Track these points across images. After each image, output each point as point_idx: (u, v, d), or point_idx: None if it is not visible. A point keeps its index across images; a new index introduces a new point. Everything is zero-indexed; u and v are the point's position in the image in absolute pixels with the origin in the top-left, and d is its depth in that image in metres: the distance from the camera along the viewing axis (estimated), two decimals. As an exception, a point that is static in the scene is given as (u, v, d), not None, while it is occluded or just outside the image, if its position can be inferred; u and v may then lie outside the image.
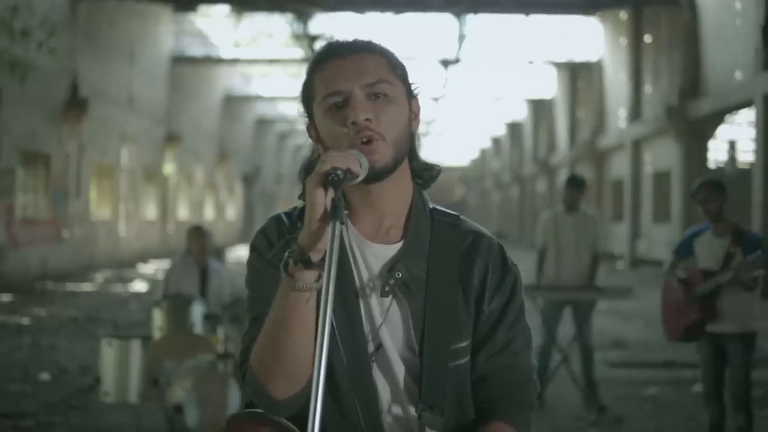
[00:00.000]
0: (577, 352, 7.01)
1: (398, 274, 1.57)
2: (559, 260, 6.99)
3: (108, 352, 5.41)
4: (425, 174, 1.65)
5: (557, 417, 6.65)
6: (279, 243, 1.59)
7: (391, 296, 1.57)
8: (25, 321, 11.74)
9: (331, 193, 1.39)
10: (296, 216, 1.63)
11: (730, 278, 4.70)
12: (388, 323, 1.57)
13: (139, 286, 17.61)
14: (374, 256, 1.60)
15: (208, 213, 34.88)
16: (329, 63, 1.56)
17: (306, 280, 1.42)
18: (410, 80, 1.62)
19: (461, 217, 1.67)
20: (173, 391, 5.37)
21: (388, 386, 1.58)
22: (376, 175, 1.52)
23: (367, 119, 1.51)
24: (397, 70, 1.59)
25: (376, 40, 1.62)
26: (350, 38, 1.61)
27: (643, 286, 16.48)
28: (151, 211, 27.27)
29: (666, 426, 6.38)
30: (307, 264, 1.41)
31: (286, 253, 1.44)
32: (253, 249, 1.64)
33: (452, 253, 1.61)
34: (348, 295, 1.57)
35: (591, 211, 7.48)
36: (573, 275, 6.94)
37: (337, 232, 1.36)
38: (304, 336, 1.46)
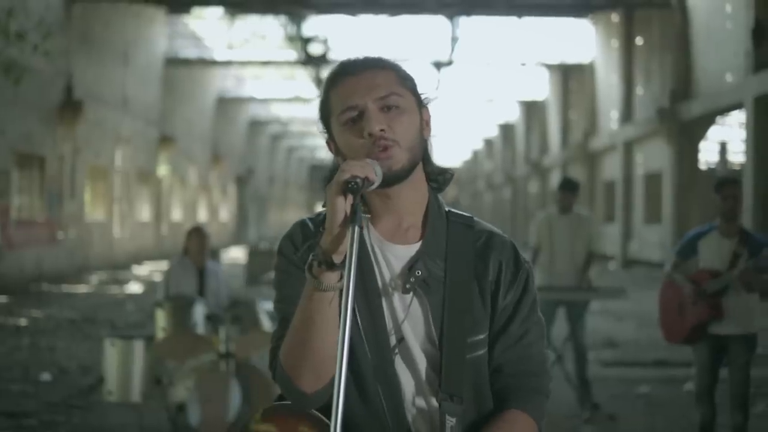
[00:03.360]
0: (571, 351, 7.12)
1: (418, 272, 1.67)
2: (554, 261, 7.11)
3: (111, 352, 5.49)
4: (439, 178, 1.77)
5: (552, 414, 6.75)
6: (303, 246, 1.69)
7: (411, 293, 1.67)
8: (22, 322, 11.81)
9: (350, 200, 1.51)
10: (320, 221, 1.73)
11: (740, 273, 4.77)
12: (410, 318, 1.67)
13: (135, 288, 17.68)
14: (395, 256, 1.70)
15: (202, 214, 34.92)
16: (343, 80, 1.68)
17: (329, 281, 1.53)
18: (420, 91, 1.74)
19: (475, 218, 1.78)
20: (176, 391, 5.47)
21: (411, 377, 1.68)
22: (393, 178, 1.63)
23: (381, 129, 1.63)
24: (406, 82, 1.71)
25: (385, 57, 1.74)
26: (361, 56, 1.73)
27: (634, 287, 16.63)
28: (145, 212, 27.31)
29: (658, 424, 6.50)
30: (330, 266, 1.52)
31: (311, 256, 1.55)
32: (279, 253, 1.74)
33: (468, 252, 1.71)
34: (371, 294, 1.67)
35: (584, 212, 7.61)
36: (567, 275, 7.05)
37: (356, 235, 1.47)
38: (329, 334, 1.56)
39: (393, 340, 1.67)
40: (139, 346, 5.49)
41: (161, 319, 5.61)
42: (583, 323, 7.07)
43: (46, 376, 7.83)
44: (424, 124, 1.73)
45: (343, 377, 1.41)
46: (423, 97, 1.76)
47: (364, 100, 1.64)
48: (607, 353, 9.59)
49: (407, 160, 1.65)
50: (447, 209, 1.76)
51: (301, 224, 1.75)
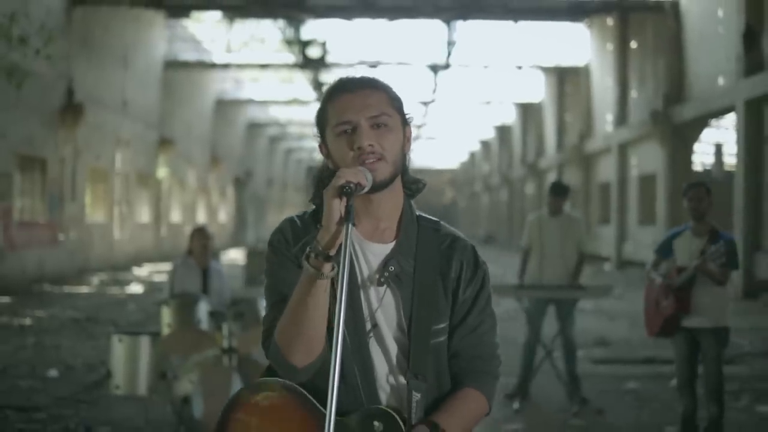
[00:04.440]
0: (561, 348, 7.36)
1: (391, 268, 1.92)
2: (544, 261, 7.34)
3: (118, 348, 5.72)
4: (413, 186, 2.03)
5: (542, 409, 7.02)
6: (301, 241, 1.94)
7: (385, 286, 1.93)
8: (27, 321, 12.03)
9: (344, 202, 1.76)
10: (308, 218, 1.99)
11: (699, 264, 5.07)
12: (383, 308, 1.93)
13: (136, 288, 17.91)
14: (372, 253, 1.95)
15: (201, 216, 35.11)
16: (341, 96, 1.93)
17: (325, 270, 1.78)
18: (404, 111, 2.00)
19: (441, 222, 2.05)
20: (180, 384, 5.70)
21: (384, 359, 1.94)
22: (376, 187, 1.89)
23: (370, 144, 1.88)
24: (395, 103, 1.96)
25: (379, 78, 1.99)
26: (358, 75, 1.98)
27: (628, 287, 16.89)
28: (144, 214, 27.53)
29: (644, 417, 6.75)
30: (327, 258, 1.77)
31: (308, 249, 1.80)
32: (271, 245, 1.99)
33: (434, 252, 1.97)
34: (351, 285, 1.91)
35: (575, 214, 7.85)
36: (558, 275, 7.29)
37: (350, 232, 1.72)
38: (319, 316, 1.82)
39: (368, 326, 1.93)
40: (145, 342, 5.72)
41: (167, 316, 5.84)
42: (572, 320, 7.31)
43: (53, 373, 8.07)
44: (405, 141, 1.97)
45: (339, 353, 1.66)
46: (407, 116, 2.00)
47: (358, 117, 1.89)
48: (599, 351, 9.83)
49: (390, 172, 1.90)
50: (418, 214, 2.02)
51: (290, 221, 2.00)
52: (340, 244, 1.74)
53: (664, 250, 5.49)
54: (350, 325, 1.90)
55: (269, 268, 1.98)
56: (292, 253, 1.94)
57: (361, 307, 1.93)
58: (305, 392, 1.88)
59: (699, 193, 5.28)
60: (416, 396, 1.90)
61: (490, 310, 2.02)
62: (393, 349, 1.94)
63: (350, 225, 1.73)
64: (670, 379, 7.79)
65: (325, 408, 1.70)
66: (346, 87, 1.94)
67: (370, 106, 1.90)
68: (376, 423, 1.86)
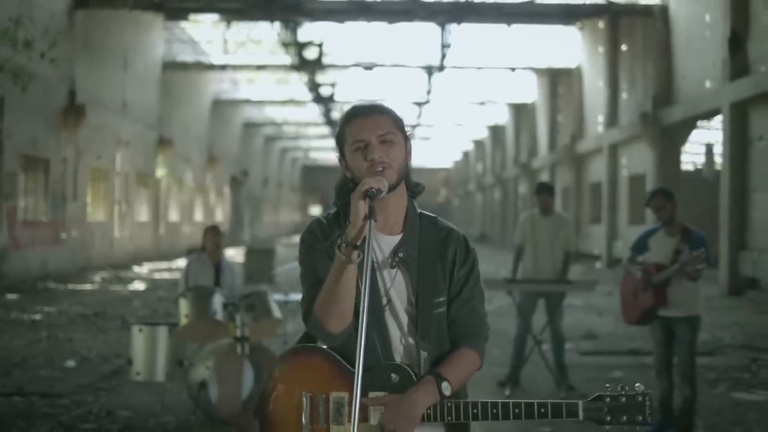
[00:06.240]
0: (550, 340, 7.84)
1: (400, 255, 2.42)
2: (536, 257, 7.83)
3: (138, 337, 6.19)
4: (415, 189, 2.55)
5: (531, 396, 7.49)
6: (328, 236, 2.45)
7: (396, 269, 2.44)
8: (37, 317, 12.45)
9: (368, 203, 2.24)
10: (331, 218, 2.50)
11: (678, 268, 5.60)
12: (395, 286, 2.45)
13: (138, 286, 18.33)
14: (384, 243, 2.46)
15: (198, 215, 35.52)
16: (356, 120, 2.45)
17: (353, 257, 2.28)
18: (405, 129, 2.52)
19: (438, 217, 2.57)
20: (196, 371, 6.15)
21: (396, 327, 2.46)
22: (387, 190, 2.38)
23: (380, 156, 2.39)
24: (398, 123, 2.47)
25: (384, 104, 2.51)
26: (368, 103, 2.50)
27: (618, 285, 17.36)
28: (143, 213, 27.94)
29: (626, 402, 7.21)
30: (354, 247, 2.27)
31: (339, 241, 2.29)
32: (303, 241, 2.51)
33: (434, 241, 2.48)
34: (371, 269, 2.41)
35: (564, 214, 8.34)
36: (548, 270, 7.77)
37: (372, 227, 2.21)
38: (349, 293, 2.33)
39: (384, 301, 2.44)
40: (163, 332, 6.19)
41: (184, 307, 6.27)
42: (560, 313, 7.79)
43: (70, 363, 8.52)
44: (407, 153, 2.48)
45: (365, 321, 2.14)
46: (408, 133, 2.52)
47: (370, 136, 2.40)
48: (587, 344, 10.30)
49: (396, 178, 2.41)
50: (419, 211, 2.54)
51: (318, 221, 2.52)
52: (364, 237, 2.22)
53: (639, 247, 6.03)
54: (370, 301, 2.35)
55: (303, 259, 2.49)
56: (323, 246, 2.44)
57: (377, 286, 2.43)
58: (334, 353, 2.38)
59: (657, 202, 5.84)
60: (424, 354, 2.41)
61: (479, 287, 2.53)
62: (404, 318, 2.44)
63: (372, 221, 2.22)
64: (652, 369, 8.28)
65: (350, 365, 2.21)
66: (358, 113, 2.45)
67: (379, 127, 2.40)
68: (393, 375, 2.36)
